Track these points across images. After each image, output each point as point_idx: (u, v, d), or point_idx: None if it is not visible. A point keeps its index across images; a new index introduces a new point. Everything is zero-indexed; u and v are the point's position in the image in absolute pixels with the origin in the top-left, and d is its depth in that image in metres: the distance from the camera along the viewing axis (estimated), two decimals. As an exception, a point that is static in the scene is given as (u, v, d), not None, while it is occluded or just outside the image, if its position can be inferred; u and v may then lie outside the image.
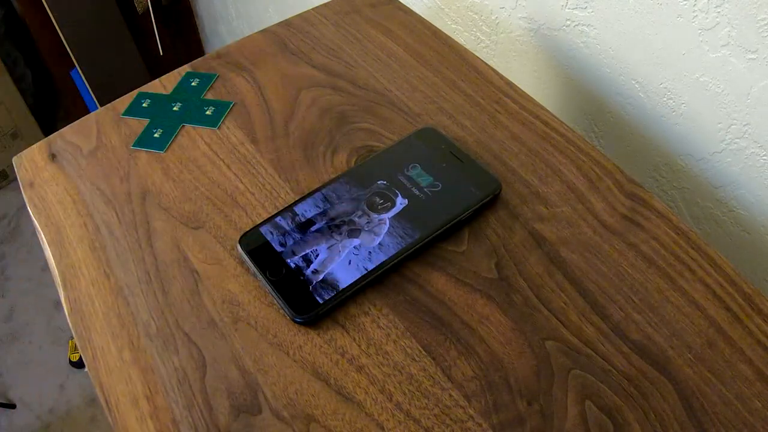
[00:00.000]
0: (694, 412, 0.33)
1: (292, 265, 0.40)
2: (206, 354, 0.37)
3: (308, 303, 0.38)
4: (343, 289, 0.38)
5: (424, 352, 0.37)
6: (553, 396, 0.34)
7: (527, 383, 0.35)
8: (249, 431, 0.34)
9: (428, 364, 0.36)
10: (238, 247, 0.41)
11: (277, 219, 0.42)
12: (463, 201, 0.42)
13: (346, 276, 0.39)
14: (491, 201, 0.43)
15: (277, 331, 0.38)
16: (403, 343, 0.37)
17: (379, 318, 0.38)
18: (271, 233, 0.41)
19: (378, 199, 0.43)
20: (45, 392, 1.44)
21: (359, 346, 0.37)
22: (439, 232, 0.40)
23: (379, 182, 0.43)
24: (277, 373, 0.36)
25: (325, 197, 0.43)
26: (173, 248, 0.42)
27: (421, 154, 0.45)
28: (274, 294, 0.39)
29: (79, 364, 1.47)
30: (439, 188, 0.43)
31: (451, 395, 0.35)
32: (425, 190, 0.43)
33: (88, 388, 1.43)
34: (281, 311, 0.39)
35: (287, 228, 0.42)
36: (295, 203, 0.43)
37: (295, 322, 0.38)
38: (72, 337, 1.45)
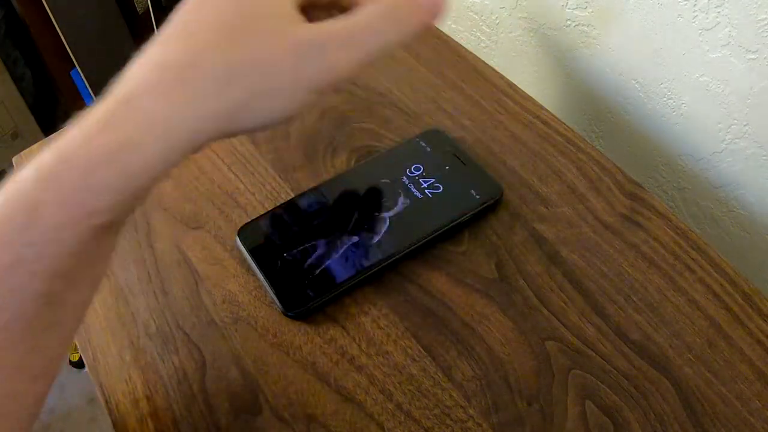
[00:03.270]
0: (694, 412, 0.33)
1: (289, 258, 0.40)
2: (206, 354, 0.37)
3: (300, 297, 0.38)
4: (337, 284, 0.38)
5: (424, 352, 0.36)
6: (553, 396, 0.34)
7: (527, 383, 0.35)
8: (249, 431, 0.34)
9: (428, 364, 0.36)
10: (237, 238, 0.41)
11: (277, 212, 0.42)
12: (464, 204, 0.42)
13: (341, 272, 0.39)
14: (492, 206, 0.42)
15: (277, 331, 0.38)
16: (403, 343, 0.37)
17: (379, 318, 0.38)
18: (270, 226, 0.41)
19: (380, 198, 0.43)
20: (45, 392, 1.43)
21: (359, 346, 0.37)
22: (438, 234, 0.40)
23: (381, 181, 0.43)
24: (277, 373, 0.36)
25: (327, 193, 0.43)
26: (173, 248, 0.42)
27: (425, 155, 0.45)
28: (267, 286, 0.39)
29: (79, 364, 1.46)
30: (441, 190, 0.43)
31: (451, 395, 0.35)
32: (427, 191, 0.43)
33: (88, 388, 1.43)
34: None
35: (286, 221, 0.42)
36: (296, 197, 0.43)
37: (287, 316, 0.38)
38: (72, 337, 1.45)
